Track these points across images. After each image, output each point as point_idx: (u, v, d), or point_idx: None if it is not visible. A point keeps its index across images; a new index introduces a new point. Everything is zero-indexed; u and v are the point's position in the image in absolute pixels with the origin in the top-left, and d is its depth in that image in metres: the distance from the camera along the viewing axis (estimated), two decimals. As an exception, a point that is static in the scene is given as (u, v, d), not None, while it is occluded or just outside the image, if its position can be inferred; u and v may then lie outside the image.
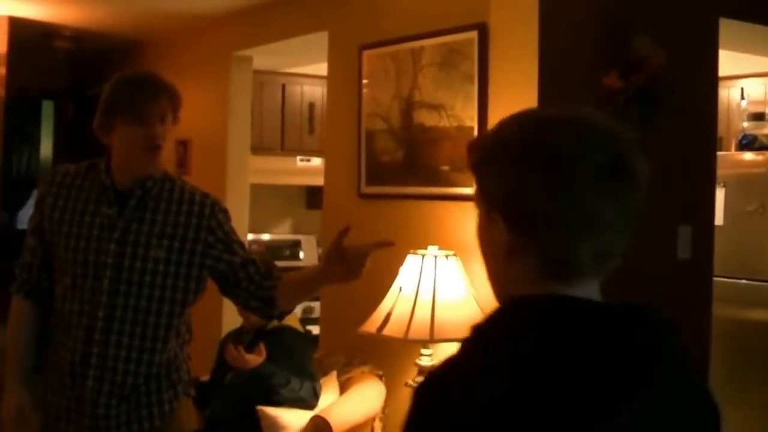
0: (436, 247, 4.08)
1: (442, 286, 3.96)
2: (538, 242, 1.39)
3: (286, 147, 6.94)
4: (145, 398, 3.06)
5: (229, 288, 3.13)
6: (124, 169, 3.05)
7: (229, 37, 6.23)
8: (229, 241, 3.10)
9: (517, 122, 1.46)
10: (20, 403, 3.09)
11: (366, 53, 4.83)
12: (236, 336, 4.66)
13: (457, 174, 4.27)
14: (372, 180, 4.79)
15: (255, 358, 4.29)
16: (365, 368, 4.59)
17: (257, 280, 3.10)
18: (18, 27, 6.46)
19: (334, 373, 4.64)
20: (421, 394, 1.37)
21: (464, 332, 3.85)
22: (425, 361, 4.05)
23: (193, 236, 3.04)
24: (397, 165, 4.64)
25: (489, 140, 1.47)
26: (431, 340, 3.90)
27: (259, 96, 6.73)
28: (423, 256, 4.05)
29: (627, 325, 1.37)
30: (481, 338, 1.39)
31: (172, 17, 6.39)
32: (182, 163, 6.64)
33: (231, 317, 4.95)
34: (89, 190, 3.08)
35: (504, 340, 1.36)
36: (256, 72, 6.46)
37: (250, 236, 6.79)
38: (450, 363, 1.38)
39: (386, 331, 3.99)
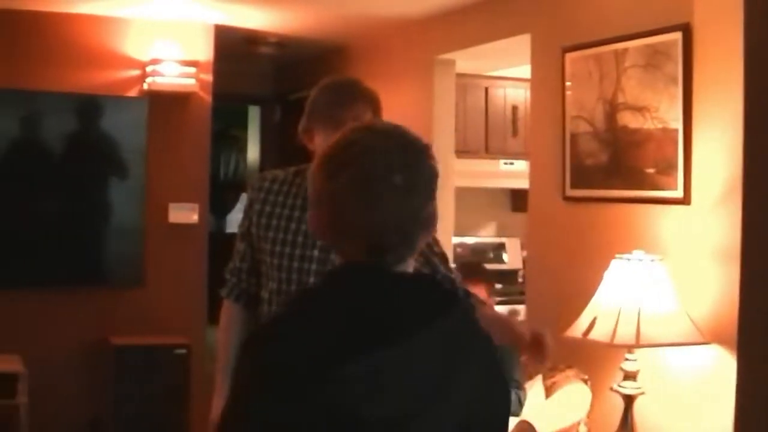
0: (642, 252, 4.26)
1: (648, 290, 4.15)
2: (330, 241, 1.88)
3: (490, 150, 7.20)
4: None
5: None
6: None
7: (432, 40, 6.53)
8: (430, 253, 3.23)
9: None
10: None
11: (569, 56, 5.05)
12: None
13: (662, 177, 4.43)
14: (577, 183, 5.01)
15: None
16: (570, 372, 4.78)
17: None
18: (223, 34, 6.95)
19: (539, 377, 4.86)
20: (247, 338, 1.82)
21: (672, 336, 4.01)
22: (630, 366, 4.25)
23: None
24: (602, 168, 4.83)
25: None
26: (637, 344, 4.09)
27: (462, 99, 7.01)
28: (629, 260, 4.24)
29: (407, 289, 1.78)
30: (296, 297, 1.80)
31: (375, 21, 6.76)
32: (386, 167, 6.99)
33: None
34: (295, 196, 3.24)
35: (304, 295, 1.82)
36: (460, 75, 6.72)
37: (455, 239, 7.09)
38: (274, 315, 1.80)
39: (592, 335, 4.20)
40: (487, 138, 7.22)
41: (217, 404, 3.34)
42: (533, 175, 5.45)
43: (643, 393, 4.26)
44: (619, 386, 4.27)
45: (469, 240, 7.70)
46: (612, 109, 4.74)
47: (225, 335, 3.45)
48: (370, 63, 7.42)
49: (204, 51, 6.80)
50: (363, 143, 1.80)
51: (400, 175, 1.76)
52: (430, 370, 1.70)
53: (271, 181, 3.36)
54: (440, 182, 5.89)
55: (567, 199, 5.08)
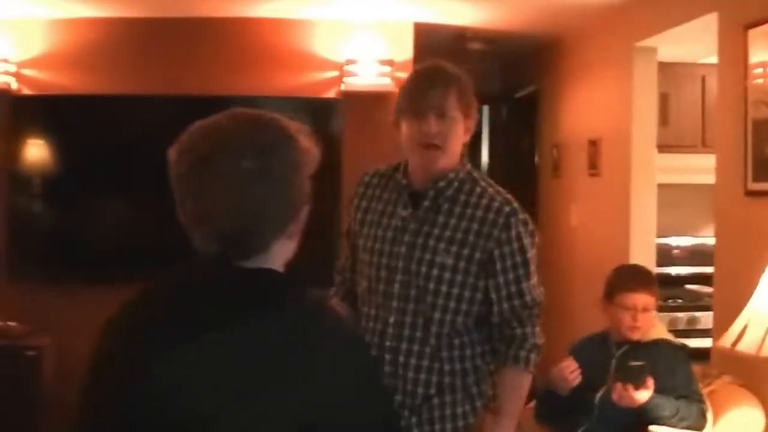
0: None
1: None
2: (187, 230, 1.71)
3: (707, 143, 6.50)
4: (438, 411, 2.96)
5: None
6: (413, 169, 3.00)
7: (628, 26, 5.99)
8: (504, 268, 2.92)
9: None
10: None
11: (750, 32, 4.41)
12: (599, 344, 4.39)
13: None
14: (760, 175, 4.37)
15: (644, 395, 4.00)
16: (727, 378, 4.22)
17: (494, 337, 2.98)
18: (432, 33, 6.69)
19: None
20: None
21: None
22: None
23: (482, 245, 2.90)
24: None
25: None
26: (789, 356, 3.48)
27: (675, 90, 6.39)
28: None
29: (228, 286, 1.66)
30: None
31: (578, 10, 6.28)
32: (593, 163, 6.52)
33: (584, 320, 4.69)
34: (391, 191, 3.06)
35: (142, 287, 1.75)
36: (670, 65, 6.17)
37: (669, 240, 6.51)
38: None
39: (740, 346, 3.62)
40: (704, 131, 6.50)
41: None
42: (718, 168, 4.82)
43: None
44: (782, 407, 3.66)
45: (687, 241, 6.99)
46: (791, 92, 4.10)
47: None
48: (579, 54, 6.94)
49: (403, 49, 6.53)
50: (211, 126, 1.71)
51: (250, 161, 1.65)
52: (239, 371, 1.59)
53: (372, 175, 3.20)
54: (640, 179, 5.24)
55: (749, 193, 4.44)
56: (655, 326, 4.31)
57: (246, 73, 6.42)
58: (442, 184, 2.95)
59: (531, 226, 2.98)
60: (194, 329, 1.60)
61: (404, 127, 2.95)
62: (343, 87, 6.45)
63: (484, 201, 2.94)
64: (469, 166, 3.06)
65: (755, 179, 4.38)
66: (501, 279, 2.90)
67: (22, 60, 6.28)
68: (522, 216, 2.95)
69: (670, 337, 4.30)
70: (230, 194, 1.65)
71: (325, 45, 6.51)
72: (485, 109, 9.33)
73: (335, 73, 6.49)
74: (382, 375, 1.77)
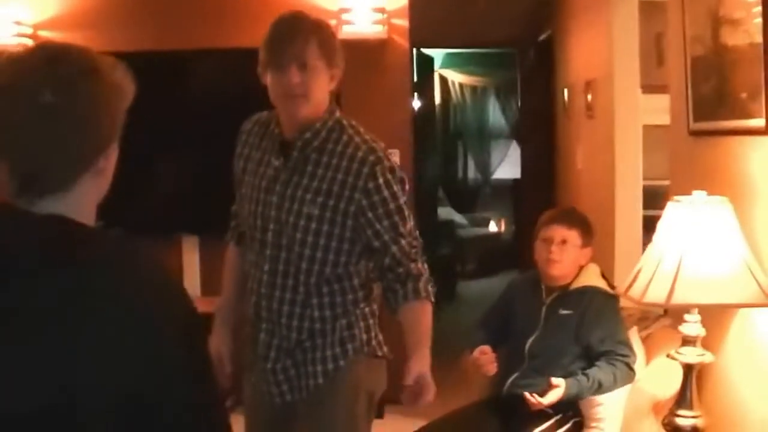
0: (703, 192, 3.38)
1: (699, 237, 3.27)
2: None
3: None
4: (310, 355, 2.98)
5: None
6: (282, 120, 2.96)
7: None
8: (378, 216, 2.86)
9: None
10: (218, 347, 3.12)
11: (689, -36, 4.10)
12: (531, 288, 4.20)
13: (752, 103, 3.47)
14: (699, 115, 4.07)
15: (554, 395, 3.83)
16: (666, 321, 4.07)
17: (388, 278, 2.89)
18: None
19: (635, 329, 4.09)
20: None
21: (726, 296, 3.04)
22: (690, 329, 3.38)
23: (348, 196, 2.86)
24: (712, 96, 3.90)
25: None
26: (666, 303, 3.23)
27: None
28: (684, 202, 3.38)
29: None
30: None
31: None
32: (589, 105, 6.24)
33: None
34: (267, 139, 3.03)
35: None
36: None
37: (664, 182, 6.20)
38: None
39: (631, 293, 3.39)
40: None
41: (214, 341, 3.14)
42: (671, 109, 4.50)
43: (711, 361, 3.43)
44: (678, 353, 3.42)
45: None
46: (716, 25, 3.79)
47: (226, 279, 3.30)
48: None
49: (398, -4, 6.29)
50: (13, 58, 1.59)
51: (49, 95, 1.53)
52: (21, 328, 1.47)
53: (254, 123, 3.14)
54: (624, 120, 5.01)
55: (692, 133, 4.14)
56: (586, 273, 4.12)
57: (242, 24, 6.27)
58: (308, 135, 2.91)
59: (399, 174, 2.92)
60: None
61: (269, 79, 2.89)
62: (339, 36, 6.25)
63: (350, 150, 2.88)
64: (338, 114, 2.99)
65: (695, 119, 4.08)
66: (378, 226, 2.86)
67: (37, 22, 6.29)
68: (387, 163, 2.89)
69: (601, 284, 4.09)
70: (25, 130, 1.54)
71: (320, -6, 6.33)
72: (515, 53, 9.08)
73: (333, 22, 6.30)
74: (196, 335, 1.60)
